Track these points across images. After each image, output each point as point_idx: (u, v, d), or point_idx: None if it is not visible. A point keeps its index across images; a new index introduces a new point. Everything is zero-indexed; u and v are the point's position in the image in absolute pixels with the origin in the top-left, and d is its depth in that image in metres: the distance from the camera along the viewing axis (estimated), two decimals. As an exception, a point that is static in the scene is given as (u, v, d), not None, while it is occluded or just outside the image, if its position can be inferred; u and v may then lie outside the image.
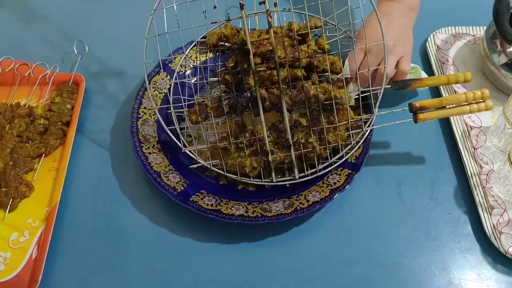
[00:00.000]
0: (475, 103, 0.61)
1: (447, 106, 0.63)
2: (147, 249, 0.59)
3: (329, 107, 0.61)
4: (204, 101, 0.62)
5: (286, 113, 0.59)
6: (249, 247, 0.59)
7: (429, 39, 0.80)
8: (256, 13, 0.60)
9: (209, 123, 0.65)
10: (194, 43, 0.72)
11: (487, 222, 0.60)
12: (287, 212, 0.57)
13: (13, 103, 0.69)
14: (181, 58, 0.72)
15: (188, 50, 0.73)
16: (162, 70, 0.70)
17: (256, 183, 0.61)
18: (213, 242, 0.59)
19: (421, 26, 0.82)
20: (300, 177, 0.61)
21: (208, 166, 0.61)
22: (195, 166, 0.62)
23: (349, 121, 0.61)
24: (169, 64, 0.71)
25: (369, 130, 0.63)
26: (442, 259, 0.58)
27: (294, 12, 0.59)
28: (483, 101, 0.61)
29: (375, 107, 0.64)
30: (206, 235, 0.60)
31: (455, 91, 0.73)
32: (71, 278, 0.56)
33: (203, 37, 0.72)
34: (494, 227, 0.59)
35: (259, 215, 0.57)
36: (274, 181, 0.61)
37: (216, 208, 0.58)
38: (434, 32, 0.81)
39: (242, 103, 0.60)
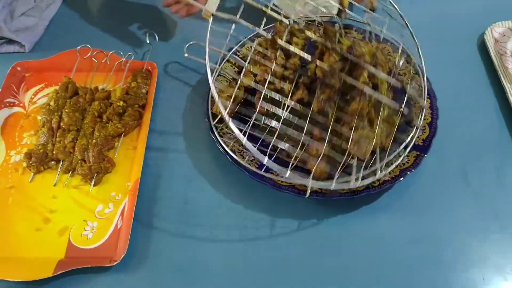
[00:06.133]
0: None
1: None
2: (217, 221, 0.62)
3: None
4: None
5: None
6: (319, 224, 0.61)
7: (487, 32, 0.82)
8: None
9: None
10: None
11: (556, 205, 0.61)
12: (360, 190, 0.60)
13: (92, 87, 0.73)
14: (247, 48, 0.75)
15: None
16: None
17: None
18: (286, 218, 0.62)
19: (477, 19, 0.85)
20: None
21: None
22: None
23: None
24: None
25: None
26: (510, 239, 0.59)
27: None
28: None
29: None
30: (278, 213, 0.62)
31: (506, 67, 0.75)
32: (154, 247, 0.59)
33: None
34: (563, 209, 0.60)
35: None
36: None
37: (291, 184, 0.61)
38: (491, 26, 0.83)
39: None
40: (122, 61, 0.76)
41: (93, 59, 0.76)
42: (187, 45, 0.73)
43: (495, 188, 0.64)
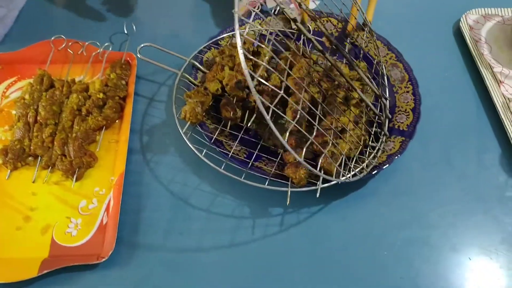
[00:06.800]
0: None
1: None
2: (206, 214, 0.60)
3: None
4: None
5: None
6: (309, 215, 0.61)
7: (462, 19, 0.84)
8: None
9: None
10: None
11: (534, 185, 0.63)
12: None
13: (69, 80, 0.70)
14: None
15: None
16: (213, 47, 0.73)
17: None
18: (276, 212, 0.61)
19: (452, 6, 0.87)
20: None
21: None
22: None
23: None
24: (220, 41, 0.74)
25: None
26: (495, 219, 0.61)
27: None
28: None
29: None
30: (266, 202, 0.62)
31: (490, 65, 0.76)
32: (142, 242, 0.58)
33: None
34: (541, 189, 0.63)
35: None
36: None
37: (269, 169, 0.60)
38: (465, 13, 0.84)
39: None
40: (99, 52, 0.73)
41: (69, 50, 0.73)
42: (139, 47, 0.69)
43: (477, 171, 0.66)
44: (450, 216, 0.62)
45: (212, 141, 0.62)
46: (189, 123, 0.61)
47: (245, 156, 0.62)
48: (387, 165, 0.61)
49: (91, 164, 0.63)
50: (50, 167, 0.62)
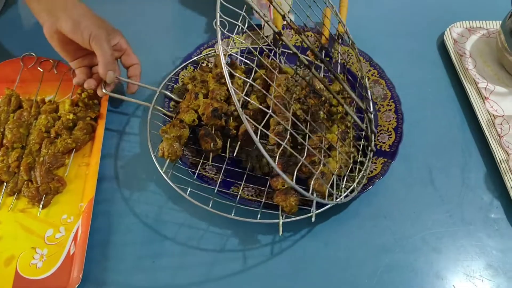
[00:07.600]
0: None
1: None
2: (182, 242, 0.58)
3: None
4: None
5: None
6: (291, 239, 0.59)
7: (446, 32, 0.82)
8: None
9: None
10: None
11: (520, 206, 0.61)
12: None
13: (38, 100, 0.68)
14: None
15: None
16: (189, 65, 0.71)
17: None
18: (257, 238, 0.58)
19: (436, 19, 0.85)
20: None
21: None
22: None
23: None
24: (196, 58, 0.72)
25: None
26: (480, 242, 0.59)
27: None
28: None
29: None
30: (245, 230, 0.59)
31: (474, 80, 0.75)
32: (112, 272, 0.55)
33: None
34: (527, 210, 0.61)
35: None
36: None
37: (258, 199, 0.57)
38: (450, 26, 0.83)
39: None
40: (70, 70, 0.71)
41: (39, 68, 0.71)
42: (103, 82, 0.65)
43: (461, 192, 0.64)
44: (434, 239, 0.59)
45: (195, 177, 0.58)
46: (168, 161, 0.58)
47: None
48: (369, 187, 0.59)
49: (59, 189, 0.60)
50: (16, 194, 0.59)
